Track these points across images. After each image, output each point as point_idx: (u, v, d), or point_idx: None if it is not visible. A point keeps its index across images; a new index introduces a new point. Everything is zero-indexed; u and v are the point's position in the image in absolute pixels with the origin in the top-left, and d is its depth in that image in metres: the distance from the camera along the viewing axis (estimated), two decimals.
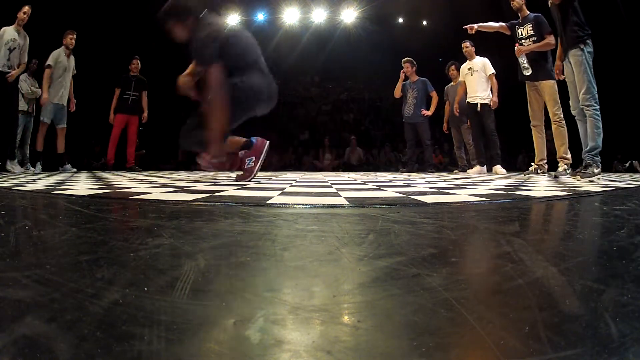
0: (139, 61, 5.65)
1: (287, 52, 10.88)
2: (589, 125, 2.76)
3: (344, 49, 11.12)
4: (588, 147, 2.77)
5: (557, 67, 3.19)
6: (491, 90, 4.76)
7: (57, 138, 4.93)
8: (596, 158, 2.74)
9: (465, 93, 4.96)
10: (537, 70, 3.57)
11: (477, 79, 4.79)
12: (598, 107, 2.74)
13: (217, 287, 0.40)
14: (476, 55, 4.92)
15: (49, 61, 4.69)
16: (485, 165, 4.96)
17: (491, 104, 4.70)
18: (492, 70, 4.77)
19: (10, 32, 4.10)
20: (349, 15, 10.45)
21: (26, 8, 4.18)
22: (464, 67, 4.98)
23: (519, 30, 3.70)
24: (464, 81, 4.96)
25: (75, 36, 4.80)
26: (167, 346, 0.27)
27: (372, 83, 11.91)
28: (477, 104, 4.75)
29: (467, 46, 4.91)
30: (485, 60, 4.84)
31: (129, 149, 5.66)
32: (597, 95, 2.74)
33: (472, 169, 5.12)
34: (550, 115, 3.54)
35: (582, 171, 2.71)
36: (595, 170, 2.71)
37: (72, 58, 4.87)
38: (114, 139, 5.53)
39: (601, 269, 0.48)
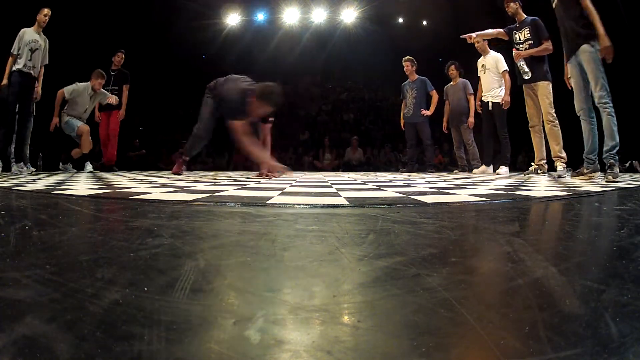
0: (123, 55, 5.41)
1: (287, 52, 10.88)
2: (607, 124, 2.66)
3: (344, 49, 11.12)
4: (609, 147, 2.67)
5: (567, 74, 3.14)
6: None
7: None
8: (617, 156, 2.66)
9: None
10: (534, 72, 3.59)
11: (489, 77, 4.65)
12: (611, 103, 2.65)
13: (217, 287, 0.40)
14: (490, 50, 4.71)
15: (65, 91, 4.71)
16: (491, 165, 4.90)
17: (502, 102, 4.52)
18: (505, 67, 4.57)
19: (30, 33, 4.07)
20: (349, 15, 10.45)
21: (46, 10, 4.13)
22: (478, 64, 4.83)
23: (516, 35, 3.69)
24: (480, 77, 4.82)
25: (102, 82, 4.91)
26: (167, 346, 0.27)
27: (372, 83, 11.91)
28: (488, 102, 4.64)
29: (479, 40, 4.63)
30: (499, 57, 4.64)
31: (110, 147, 5.37)
32: (609, 92, 2.65)
33: (471, 169, 5.10)
34: (544, 114, 3.54)
35: (610, 171, 2.61)
36: (617, 170, 2.63)
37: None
38: (104, 139, 5.36)
39: (601, 269, 0.48)
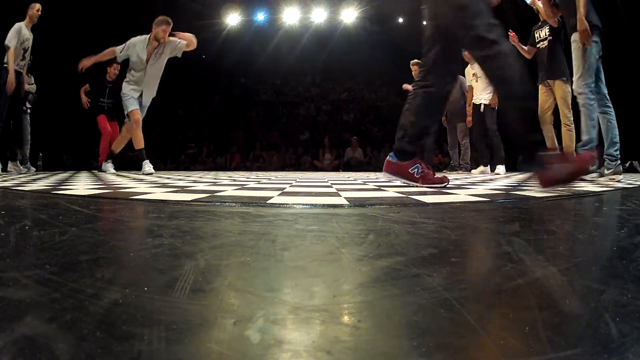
0: (119, 67, 5.00)
1: (287, 52, 10.89)
2: (582, 116, 2.52)
3: (344, 49, 11.13)
4: (581, 142, 2.52)
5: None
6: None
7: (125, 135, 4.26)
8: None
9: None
10: (554, 69, 3.58)
11: (481, 84, 4.73)
12: (593, 97, 2.50)
13: (217, 287, 0.40)
14: None
15: (117, 49, 3.90)
16: (488, 166, 4.93)
17: (491, 103, 4.60)
18: None
19: (24, 30, 3.95)
20: (349, 15, 10.46)
21: (38, 5, 4.02)
22: (469, 72, 4.89)
23: (537, 33, 3.78)
24: (472, 86, 4.91)
25: (167, 28, 3.96)
26: (167, 346, 0.27)
27: (372, 83, 11.92)
28: (480, 104, 4.71)
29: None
30: None
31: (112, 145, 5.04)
32: (591, 85, 2.52)
33: (464, 169, 5.12)
34: (561, 117, 3.53)
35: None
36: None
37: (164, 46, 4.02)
38: (107, 137, 5.11)
39: (601, 269, 0.48)
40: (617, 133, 2.59)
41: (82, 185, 1.97)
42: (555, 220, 1.00)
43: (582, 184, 2.23)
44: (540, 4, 3.61)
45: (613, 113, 2.60)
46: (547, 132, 3.80)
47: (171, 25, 3.98)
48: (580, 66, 2.55)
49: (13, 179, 2.66)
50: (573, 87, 2.64)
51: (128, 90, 4.02)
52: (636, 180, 2.86)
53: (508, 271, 0.45)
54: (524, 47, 3.85)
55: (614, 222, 0.88)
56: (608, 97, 2.64)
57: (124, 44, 3.96)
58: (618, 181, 2.46)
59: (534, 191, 1.62)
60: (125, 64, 4.17)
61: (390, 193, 1.46)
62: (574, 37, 2.65)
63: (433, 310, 0.34)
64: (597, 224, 0.90)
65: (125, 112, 4.05)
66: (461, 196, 1.37)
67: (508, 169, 4.95)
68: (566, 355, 0.26)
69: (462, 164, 5.30)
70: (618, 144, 2.58)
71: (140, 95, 4.05)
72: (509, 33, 3.83)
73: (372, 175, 4.33)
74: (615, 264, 0.50)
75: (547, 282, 0.41)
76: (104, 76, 5.21)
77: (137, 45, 3.94)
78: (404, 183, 1.83)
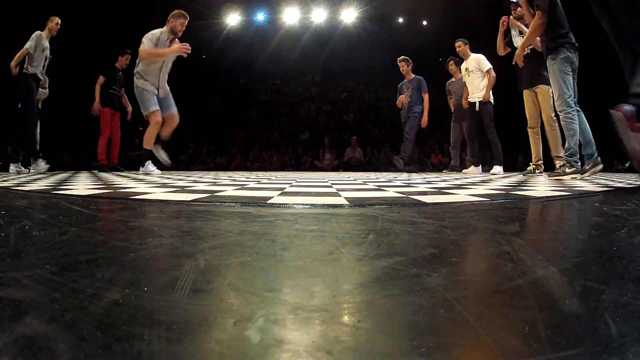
0: (129, 56, 5.05)
1: (287, 52, 10.89)
2: (564, 128, 2.91)
3: (344, 49, 11.13)
4: (564, 148, 2.93)
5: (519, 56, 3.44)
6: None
7: (165, 125, 4.09)
8: (570, 158, 2.86)
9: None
10: (535, 77, 3.70)
11: (473, 80, 4.72)
12: (571, 109, 2.82)
13: (217, 287, 0.40)
14: (472, 52, 4.81)
15: (146, 44, 3.74)
16: (480, 165, 4.91)
17: (484, 98, 4.58)
18: (489, 66, 4.64)
19: (44, 39, 4.04)
20: (349, 15, 10.47)
21: (57, 19, 4.11)
22: (462, 69, 4.92)
23: (523, 37, 3.79)
24: (464, 82, 4.94)
25: (185, 22, 3.92)
26: (167, 346, 0.27)
27: (372, 83, 11.93)
28: (475, 102, 4.68)
29: (460, 45, 4.82)
30: (480, 57, 4.72)
31: (113, 147, 5.19)
32: (569, 100, 2.81)
33: (461, 169, 5.11)
34: (544, 117, 3.61)
35: (553, 171, 2.90)
36: (567, 170, 2.84)
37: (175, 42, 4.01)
38: (106, 136, 5.06)
39: (601, 269, 0.48)
40: (589, 134, 2.91)
41: (82, 185, 1.97)
42: (555, 220, 1.00)
43: (581, 183, 2.23)
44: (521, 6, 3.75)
45: (577, 119, 2.88)
46: (534, 134, 3.87)
47: (188, 20, 3.92)
48: (556, 88, 2.87)
49: (13, 179, 2.66)
50: (555, 105, 2.95)
51: (147, 86, 3.86)
52: (636, 180, 2.86)
53: (508, 271, 0.45)
54: (503, 43, 4.00)
55: (614, 222, 0.88)
56: (577, 104, 2.93)
57: (147, 39, 3.78)
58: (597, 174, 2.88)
59: (534, 191, 1.62)
60: (135, 56, 4.06)
61: (390, 193, 1.46)
62: (547, 62, 2.93)
63: (433, 310, 0.34)
64: (597, 223, 0.90)
65: (145, 113, 3.90)
66: (461, 196, 1.37)
67: (507, 169, 4.94)
68: (566, 355, 0.26)
69: (454, 162, 5.28)
70: (591, 141, 2.89)
71: (157, 93, 3.95)
72: (504, 17, 3.96)
73: (372, 175, 4.33)
74: (615, 264, 0.50)
75: (547, 282, 0.41)
76: (113, 65, 5.20)
77: (160, 38, 3.80)
78: None
